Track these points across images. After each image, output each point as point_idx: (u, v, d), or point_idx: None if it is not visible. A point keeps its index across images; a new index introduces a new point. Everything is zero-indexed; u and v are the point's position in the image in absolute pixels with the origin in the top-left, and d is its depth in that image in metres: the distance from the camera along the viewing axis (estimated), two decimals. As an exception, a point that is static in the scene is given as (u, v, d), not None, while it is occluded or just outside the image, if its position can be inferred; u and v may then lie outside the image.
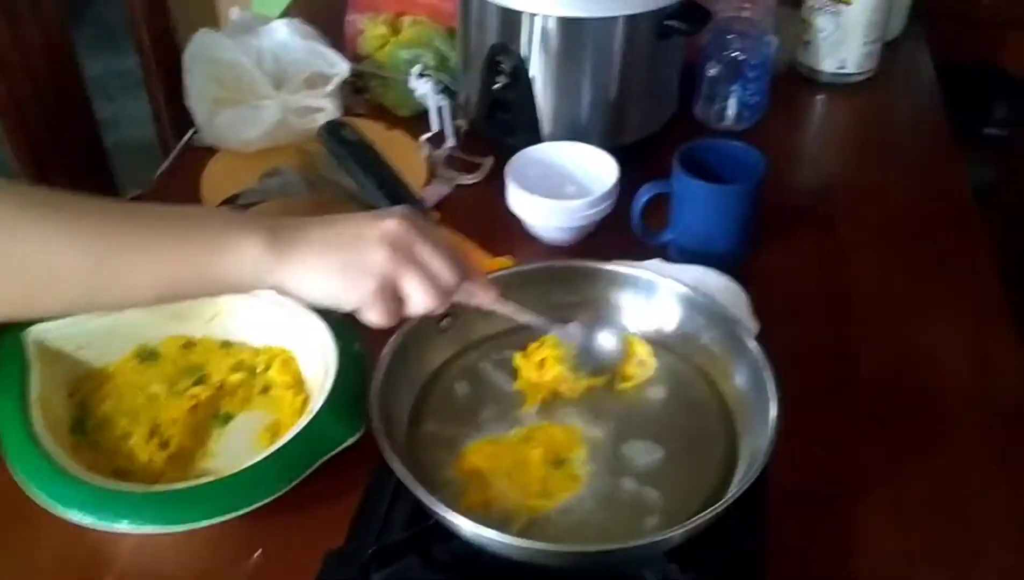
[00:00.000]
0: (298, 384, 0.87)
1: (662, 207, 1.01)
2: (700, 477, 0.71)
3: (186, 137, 1.22)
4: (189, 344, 0.90)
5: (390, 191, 0.81)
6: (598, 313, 0.81)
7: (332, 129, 0.84)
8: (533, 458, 0.72)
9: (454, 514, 0.63)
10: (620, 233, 1.02)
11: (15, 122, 1.23)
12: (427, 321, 0.78)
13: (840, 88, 1.29)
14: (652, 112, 1.15)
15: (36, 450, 0.75)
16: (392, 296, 0.64)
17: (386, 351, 0.73)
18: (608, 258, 0.98)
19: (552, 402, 0.77)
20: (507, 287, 0.80)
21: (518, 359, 0.79)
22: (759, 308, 0.93)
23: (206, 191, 1.13)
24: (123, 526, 0.72)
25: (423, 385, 0.78)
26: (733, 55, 1.17)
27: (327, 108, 1.16)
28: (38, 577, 0.75)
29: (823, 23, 1.25)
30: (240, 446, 0.84)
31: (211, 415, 0.86)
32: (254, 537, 0.76)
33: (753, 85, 1.19)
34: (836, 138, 1.28)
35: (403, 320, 0.68)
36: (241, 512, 0.74)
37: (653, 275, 0.81)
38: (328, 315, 0.86)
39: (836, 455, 0.82)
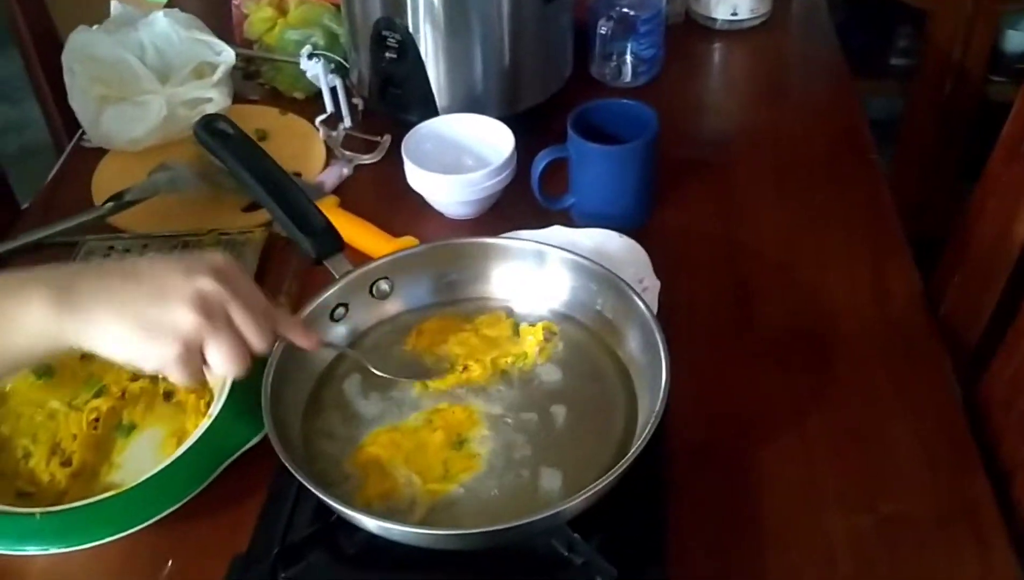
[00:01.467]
0: (200, 387, 0.85)
1: (561, 173, 1.01)
2: (601, 445, 0.72)
3: (74, 139, 1.18)
4: (87, 355, 0.88)
5: (271, 185, 0.79)
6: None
7: (207, 124, 0.82)
8: (434, 441, 0.71)
9: (353, 510, 0.62)
10: (524, 201, 1.02)
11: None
12: (319, 312, 0.77)
13: (735, 35, 1.29)
14: (547, 76, 1.14)
15: None
16: (196, 358, 0.60)
17: (276, 348, 0.73)
18: (512, 228, 0.98)
19: (452, 383, 0.76)
20: (398, 271, 0.80)
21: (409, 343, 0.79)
22: (661, 265, 0.93)
23: (97, 193, 1.10)
24: (30, 549, 0.71)
25: (318, 378, 0.77)
26: (623, 10, 1.16)
27: (215, 98, 1.14)
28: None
29: (715, -31, 1.25)
30: (145, 456, 0.82)
31: (114, 427, 0.84)
32: (164, 546, 0.75)
33: (646, 39, 1.18)
34: (733, 87, 1.28)
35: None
36: (146, 523, 0.73)
37: (541, 245, 0.81)
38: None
39: (739, 405, 0.83)
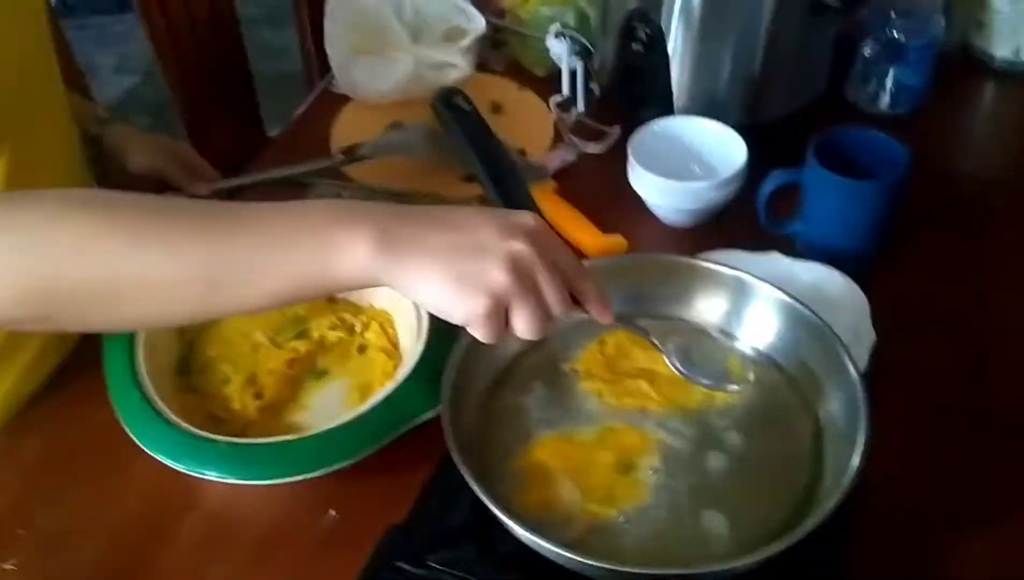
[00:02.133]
0: (393, 348, 0.87)
1: (793, 195, 0.95)
2: (776, 504, 0.67)
3: (324, 82, 1.23)
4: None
5: (492, 167, 0.79)
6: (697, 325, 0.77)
7: (445, 97, 0.83)
8: (603, 461, 0.70)
9: (507, 516, 0.62)
10: (744, 218, 0.97)
11: (168, 48, 1.29)
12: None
13: (1015, 77, 1.17)
14: (796, 90, 1.08)
15: (137, 393, 0.79)
16: (501, 316, 0.60)
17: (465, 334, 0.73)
18: (727, 245, 0.94)
19: (632, 404, 0.74)
20: (597, 276, 0.78)
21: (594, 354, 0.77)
22: (881, 316, 0.86)
23: (335, 137, 1.14)
24: (210, 474, 0.76)
25: (504, 368, 0.76)
26: (895, 34, 1.08)
27: (460, 64, 1.15)
28: (126, 511, 0.79)
29: (1000, 3, 1.13)
30: (331, 403, 0.85)
31: (308, 369, 0.88)
32: (330, 497, 0.78)
33: (913, 67, 1.09)
34: (1003, 134, 1.16)
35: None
36: (319, 473, 0.75)
37: (754, 279, 0.76)
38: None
39: (937, 489, 0.76)
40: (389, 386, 0.79)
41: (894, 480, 0.75)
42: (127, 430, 0.78)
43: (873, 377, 0.81)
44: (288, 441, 0.77)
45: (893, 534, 0.72)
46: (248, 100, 1.46)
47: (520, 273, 0.59)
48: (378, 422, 0.77)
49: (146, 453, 0.76)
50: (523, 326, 0.60)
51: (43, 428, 0.86)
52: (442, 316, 0.61)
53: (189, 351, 0.88)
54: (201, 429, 0.77)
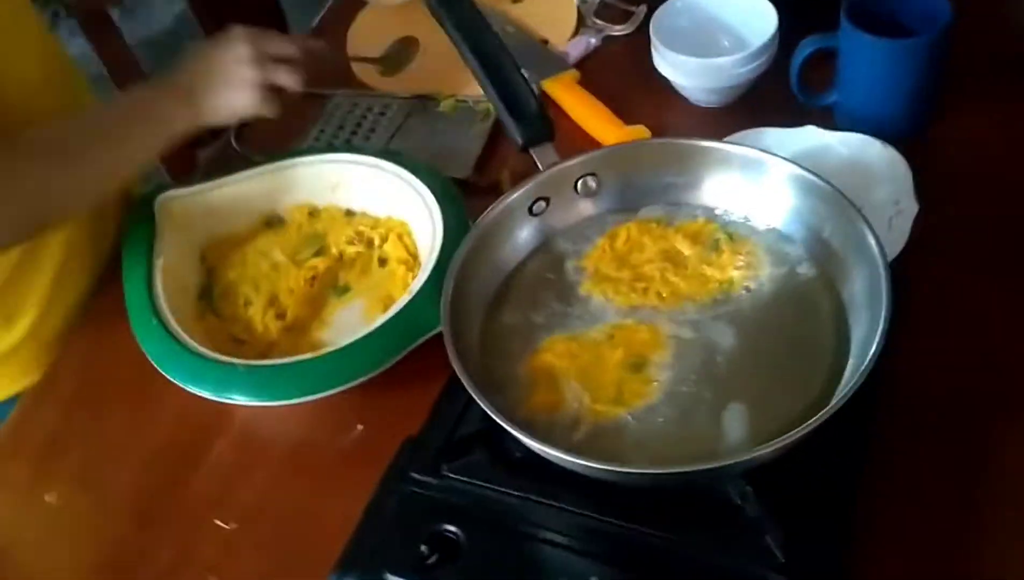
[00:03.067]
0: (411, 258, 0.86)
1: (828, 64, 0.89)
2: (797, 393, 0.63)
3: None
4: (314, 212, 0.91)
5: (488, 61, 0.75)
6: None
7: (437, -10, 0.78)
8: (612, 358, 0.67)
9: (511, 424, 0.60)
10: (780, 93, 0.91)
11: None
12: (519, 204, 0.73)
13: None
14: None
15: (156, 322, 0.79)
16: (272, 93, 0.85)
17: (467, 238, 0.70)
18: (760, 123, 0.88)
19: (642, 301, 0.70)
20: (607, 168, 0.74)
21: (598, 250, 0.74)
22: (926, 186, 0.80)
23: (352, 45, 1.12)
24: (234, 398, 0.76)
25: (508, 273, 0.73)
26: None
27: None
28: (157, 437, 0.80)
29: None
30: (354, 317, 0.84)
31: (329, 286, 0.87)
32: (356, 411, 0.78)
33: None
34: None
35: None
36: (339, 389, 0.75)
37: (764, 155, 0.71)
38: (440, 188, 0.84)
39: (992, 369, 0.71)
40: (403, 300, 0.77)
41: (926, 354, 0.70)
42: (150, 359, 0.78)
43: (912, 248, 0.76)
44: (304, 360, 0.76)
45: (920, 420, 0.68)
46: (274, 10, 1.44)
47: (260, 62, 0.84)
48: (393, 336, 0.76)
49: (172, 382, 0.77)
50: (286, 80, 0.86)
51: (77, 365, 0.88)
52: (239, 117, 0.87)
53: (209, 276, 0.88)
54: (224, 352, 0.77)
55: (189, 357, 0.77)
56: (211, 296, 0.87)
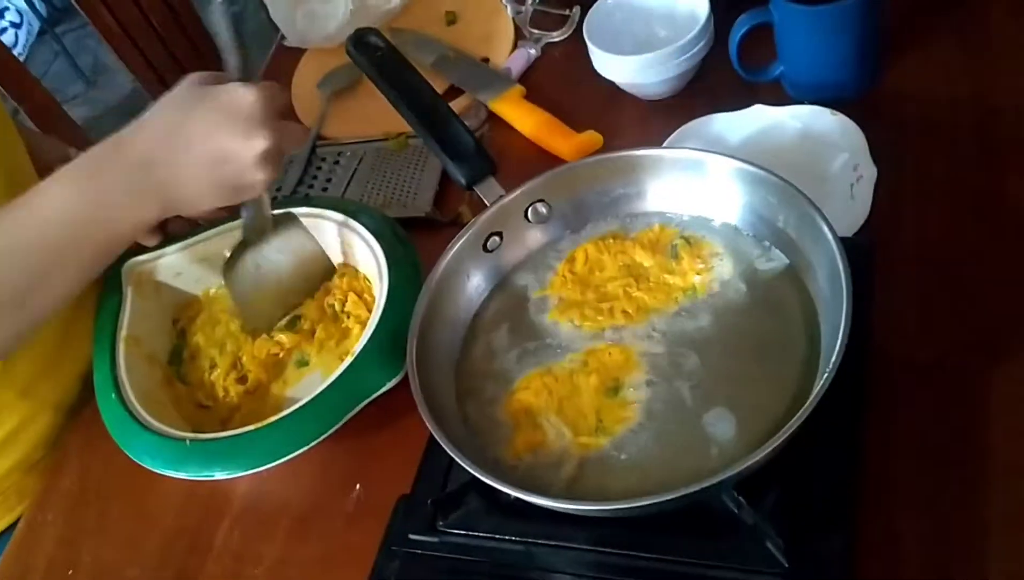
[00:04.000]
0: (368, 316, 0.84)
1: (768, 38, 0.87)
2: (776, 391, 0.63)
3: (276, 40, 1.19)
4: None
5: (418, 105, 0.74)
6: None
7: (356, 39, 0.77)
8: (587, 387, 0.66)
9: (495, 479, 0.59)
10: (726, 73, 0.90)
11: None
12: (471, 245, 0.73)
13: None
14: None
15: (114, 397, 0.78)
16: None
17: (423, 291, 0.70)
18: (711, 109, 0.87)
19: (608, 322, 0.70)
20: (553, 193, 0.73)
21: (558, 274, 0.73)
22: (882, 147, 0.79)
23: (296, 90, 1.11)
24: (183, 474, 0.75)
25: (471, 318, 0.73)
26: None
27: (399, -15, 1.09)
28: (163, 527, 0.80)
29: None
30: (316, 378, 0.82)
31: (292, 359, 0.85)
32: (354, 471, 0.78)
33: None
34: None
35: None
36: (292, 455, 0.74)
37: (702, 154, 0.70)
38: (388, 235, 0.82)
39: (977, 317, 0.69)
40: (345, 362, 0.75)
41: (909, 316, 0.69)
42: (113, 436, 0.78)
43: (880, 212, 0.75)
44: (245, 432, 0.75)
45: (911, 395, 0.67)
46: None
47: (274, 163, 0.69)
48: (340, 399, 0.74)
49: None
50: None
51: (74, 467, 0.88)
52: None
53: (180, 340, 0.88)
54: (190, 419, 0.77)
55: (142, 432, 0.77)
56: (180, 360, 0.87)
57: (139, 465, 0.80)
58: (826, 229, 0.62)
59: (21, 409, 0.90)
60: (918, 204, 0.77)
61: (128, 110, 0.84)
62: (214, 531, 0.79)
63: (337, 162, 1.02)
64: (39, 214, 0.70)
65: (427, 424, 0.62)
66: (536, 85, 1.00)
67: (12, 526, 0.89)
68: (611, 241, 0.73)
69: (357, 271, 0.87)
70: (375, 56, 0.76)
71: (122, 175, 0.69)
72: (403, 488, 0.72)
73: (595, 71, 0.95)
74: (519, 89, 0.99)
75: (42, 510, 0.86)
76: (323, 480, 0.78)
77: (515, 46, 1.05)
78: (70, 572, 0.80)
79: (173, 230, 0.86)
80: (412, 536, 0.66)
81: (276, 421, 0.74)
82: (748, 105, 0.87)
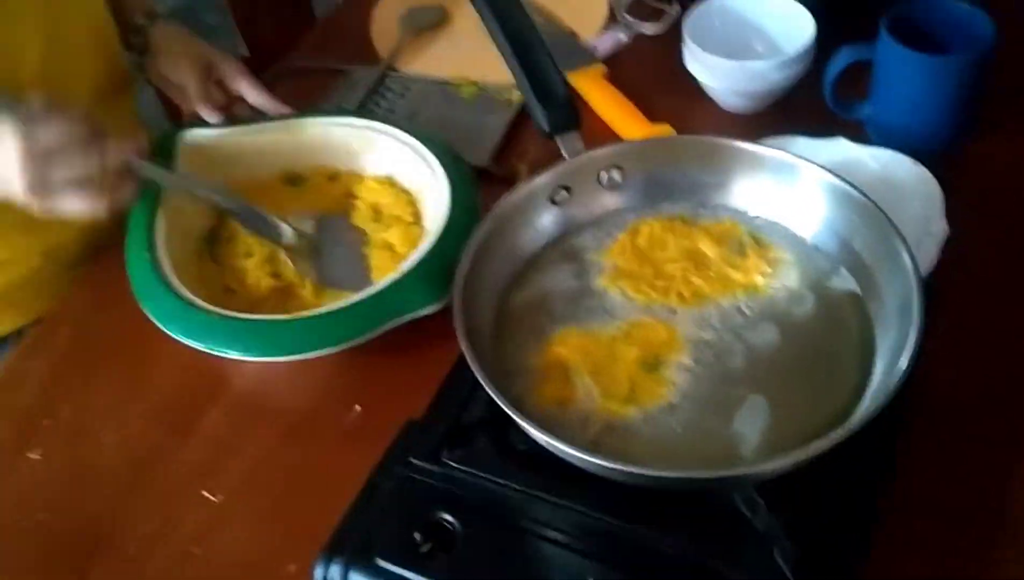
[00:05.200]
0: (416, 224, 0.83)
1: (864, 76, 0.87)
2: (817, 405, 0.61)
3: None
4: (334, 176, 0.89)
5: (517, 42, 0.73)
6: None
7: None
8: (626, 356, 0.64)
9: (521, 416, 0.57)
10: (812, 102, 0.89)
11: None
12: (539, 191, 0.71)
13: None
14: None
15: (154, 274, 0.76)
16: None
17: (486, 218, 0.68)
18: (790, 132, 0.86)
19: (660, 299, 0.68)
20: (633, 162, 0.72)
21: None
22: (956, 209, 0.78)
23: (378, 19, 1.10)
24: (199, 344, 0.73)
25: (525, 259, 0.71)
26: None
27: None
28: (150, 400, 0.78)
29: None
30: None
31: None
32: (357, 388, 0.76)
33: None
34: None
35: None
36: (319, 353, 0.72)
37: (797, 160, 0.69)
38: (455, 168, 0.81)
39: (1010, 399, 0.69)
40: (393, 275, 0.74)
41: (951, 383, 0.69)
42: (134, 292, 0.77)
43: (940, 272, 0.74)
44: (271, 320, 0.74)
45: (945, 436, 0.66)
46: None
47: (35, 185, 0.71)
48: (372, 311, 0.73)
49: (172, 342, 0.75)
50: (79, 208, 0.74)
51: (75, 318, 0.86)
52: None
53: (219, 221, 0.86)
54: (213, 300, 0.75)
55: (167, 294, 0.75)
56: (217, 239, 0.85)
57: (137, 335, 0.78)
58: (908, 261, 0.61)
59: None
60: (983, 274, 0.77)
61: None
62: (201, 415, 0.77)
63: (403, 96, 1.00)
64: None
65: (463, 348, 0.60)
66: (618, 70, 0.99)
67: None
68: (678, 223, 0.72)
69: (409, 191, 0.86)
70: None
71: None
72: (402, 415, 0.69)
73: (680, 72, 0.94)
74: (600, 68, 0.98)
75: (30, 356, 0.83)
76: (327, 392, 0.77)
77: (606, 28, 1.04)
78: (45, 422, 0.77)
79: (237, 112, 0.84)
80: (413, 460, 0.64)
81: (306, 316, 0.73)
82: (827, 136, 0.86)
